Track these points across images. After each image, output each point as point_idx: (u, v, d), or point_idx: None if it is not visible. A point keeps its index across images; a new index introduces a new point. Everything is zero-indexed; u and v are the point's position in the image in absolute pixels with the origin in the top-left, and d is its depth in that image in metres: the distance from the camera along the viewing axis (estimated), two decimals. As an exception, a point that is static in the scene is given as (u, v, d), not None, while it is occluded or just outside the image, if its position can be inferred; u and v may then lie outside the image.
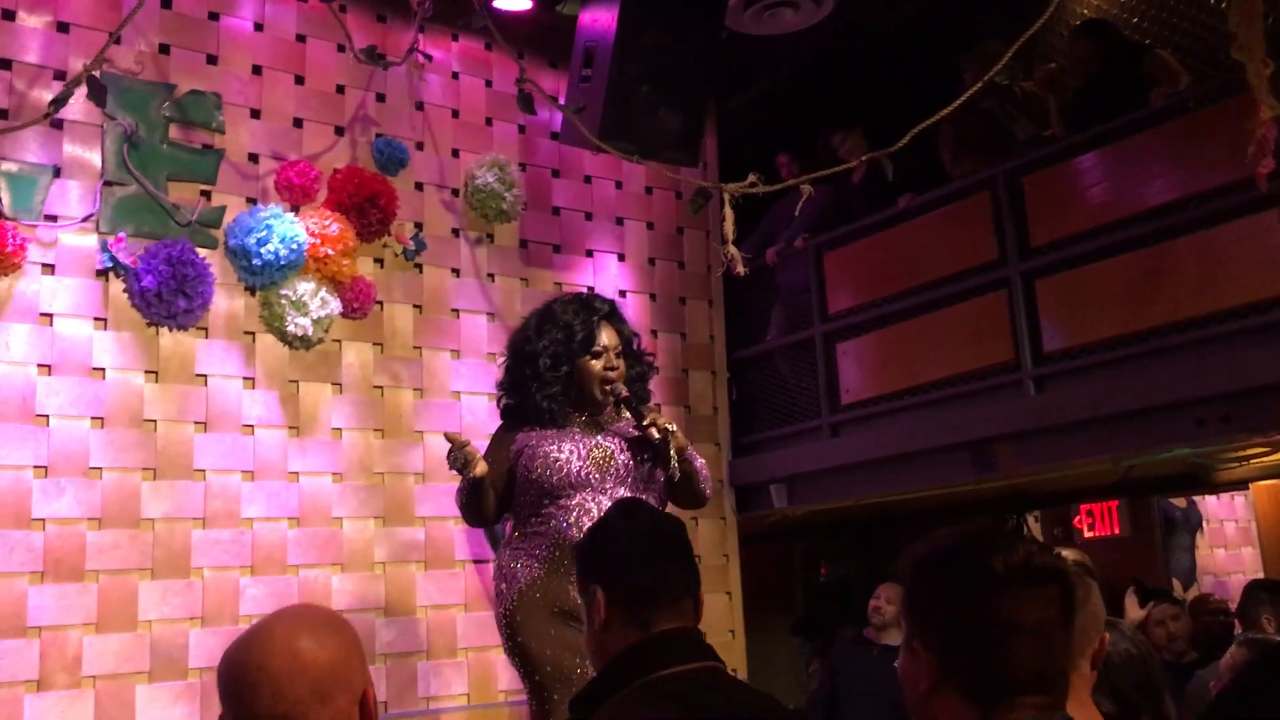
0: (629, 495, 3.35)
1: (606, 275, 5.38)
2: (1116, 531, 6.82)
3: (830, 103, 6.33)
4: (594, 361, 3.44)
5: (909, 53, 6.04)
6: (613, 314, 3.58)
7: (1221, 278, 4.08)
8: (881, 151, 4.09)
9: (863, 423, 5.36)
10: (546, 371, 3.42)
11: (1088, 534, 6.90)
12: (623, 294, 5.40)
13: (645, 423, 3.35)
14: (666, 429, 3.34)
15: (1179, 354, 4.20)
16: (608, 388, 3.45)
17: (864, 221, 5.51)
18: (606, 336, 3.48)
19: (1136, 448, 4.55)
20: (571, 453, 3.37)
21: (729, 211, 4.22)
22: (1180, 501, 7.07)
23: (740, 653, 5.33)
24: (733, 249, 4.29)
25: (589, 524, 3.24)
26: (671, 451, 3.33)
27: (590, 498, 3.32)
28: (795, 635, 7.27)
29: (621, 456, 3.40)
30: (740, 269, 4.32)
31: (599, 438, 3.43)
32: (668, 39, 4.71)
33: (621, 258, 5.49)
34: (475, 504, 3.45)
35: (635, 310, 5.42)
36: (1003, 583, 1.37)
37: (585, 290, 4.91)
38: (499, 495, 3.48)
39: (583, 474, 3.34)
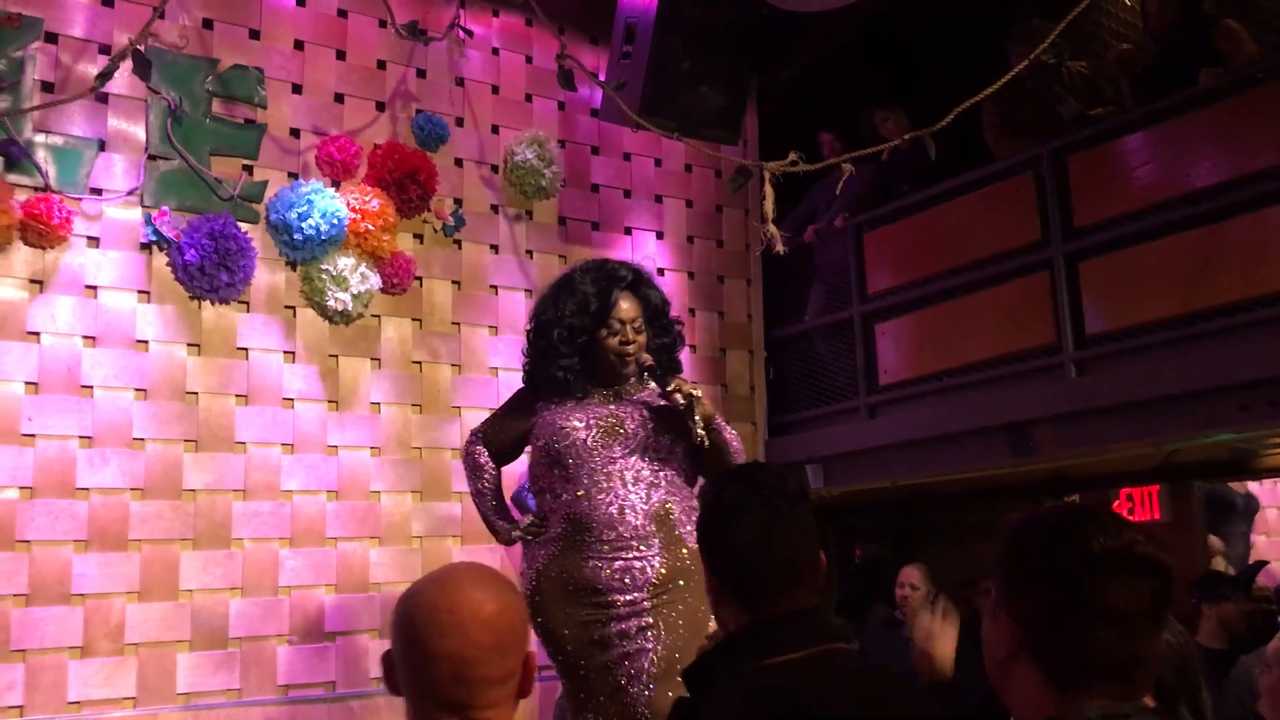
0: (642, 465, 3.20)
1: (644, 253, 5.37)
2: (1157, 516, 6.75)
3: (873, 80, 6.26)
4: (610, 337, 3.29)
5: (953, 29, 5.96)
6: (637, 281, 3.39)
7: (1270, 260, 4.00)
8: (924, 130, 4.05)
9: (901, 404, 5.32)
10: (561, 344, 3.30)
11: (1127, 519, 6.82)
12: (661, 272, 5.39)
13: (669, 388, 3.18)
14: (691, 395, 3.15)
15: (1225, 338, 4.13)
16: (627, 359, 3.29)
17: (905, 201, 5.46)
18: (626, 307, 3.31)
19: (1179, 432, 4.48)
20: (580, 422, 3.24)
21: (769, 190, 4.19)
22: (1240, 486, 6.98)
23: (774, 632, 5.33)
24: (772, 228, 4.27)
25: (600, 496, 3.14)
26: (696, 418, 3.13)
27: (600, 467, 3.19)
28: (838, 615, 7.26)
29: (632, 424, 3.23)
30: (780, 248, 4.29)
31: (612, 406, 3.28)
32: (709, 16, 4.68)
33: (660, 235, 5.48)
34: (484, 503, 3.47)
35: (673, 288, 5.41)
36: (1098, 566, 1.33)
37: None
38: (506, 458, 3.47)
39: (589, 443, 3.21)
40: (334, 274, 4.38)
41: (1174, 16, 4.85)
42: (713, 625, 3.25)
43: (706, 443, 3.16)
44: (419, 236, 4.73)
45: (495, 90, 5.07)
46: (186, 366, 4.14)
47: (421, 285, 4.70)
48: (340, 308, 4.40)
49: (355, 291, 4.41)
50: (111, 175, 4.08)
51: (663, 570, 3.11)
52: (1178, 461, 6.04)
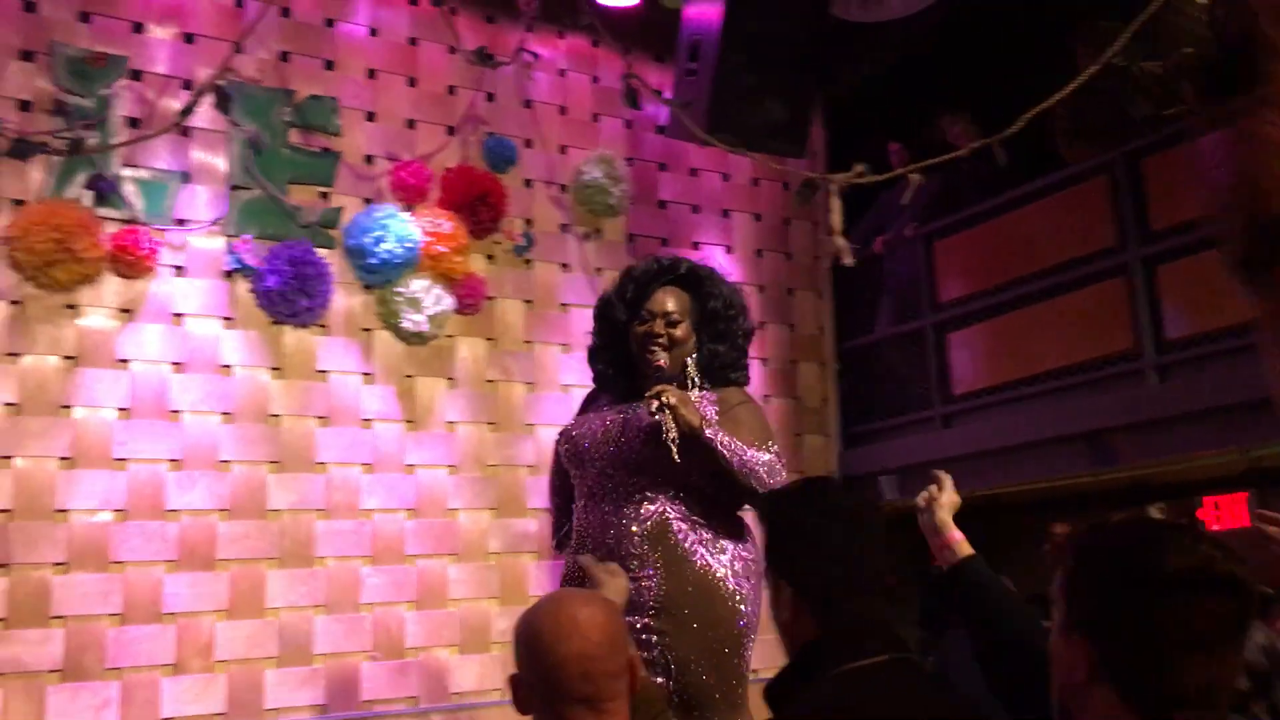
0: (639, 478, 2.94)
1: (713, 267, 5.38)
2: (1246, 524, 6.57)
3: (940, 87, 6.22)
4: (639, 327, 3.05)
5: (1020, 34, 5.90)
6: (695, 279, 3.14)
7: (1357, 260, 3.90)
8: (993, 137, 4.02)
9: (976, 413, 5.27)
10: (597, 335, 3.19)
11: (1214, 526, 6.67)
12: (730, 286, 5.40)
13: (648, 394, 2.84)
14: (665, 404, 2.79)
15: (1311, 340, 4.03)
16: (649, 353, 3.02)
17: (976, 209, 5.41)
18: (669, 301, 3.06)
19: (1265, 437, 4.38)
20: (588, 428, 3.05)
21: (837, 203, 4.18)
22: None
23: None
24: (840, 240, 4.26)
25: (595, 509, 2.97)
26: (667, 428, 2.78)
27: (596, 478, 2.99)
28: (920, 629, 7.17)
29: (632, 432, 2.94)
30: (848, 260, 4.28)
31: (625, 414, 2.99)
32: (773, 30, 4.69)
33: (729, 250, 5.49)
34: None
35: (743, 302, 5.42)
36: (1174, 587, 1.27)
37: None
38: None
39: (591, 451, 3.01)
40: (408, 296, 4.46)
41: (1244, 20, 4.76)
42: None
43: (677, 459, 2.80)
44: (490, 257, 4.80)
45: (563, 111, 5.14)
46: (269, 390, 4.24)
47: (494, 305, 4.77)
48: (415, 329, 4.48)
49: (429, 313, 4.49)
50: (195, 206, 4.21)
51: (662, 591, 2.84)
52: (1265, 467, 5.89)
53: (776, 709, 1.78)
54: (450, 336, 4.64)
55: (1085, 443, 4.76)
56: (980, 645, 2.09)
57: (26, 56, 3.98)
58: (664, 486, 2.94)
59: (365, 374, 4.45)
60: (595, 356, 3.21)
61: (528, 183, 4.97)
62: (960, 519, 2.37)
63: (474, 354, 4.69)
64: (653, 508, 2.92)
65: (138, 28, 4.21)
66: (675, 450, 2.79)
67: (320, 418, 4.32)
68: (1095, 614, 1.33)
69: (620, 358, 3.13)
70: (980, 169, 5.15)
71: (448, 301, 4.55)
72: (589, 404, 3.27)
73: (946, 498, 2.24)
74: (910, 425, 5.54)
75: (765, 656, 4.40)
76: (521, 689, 1.76)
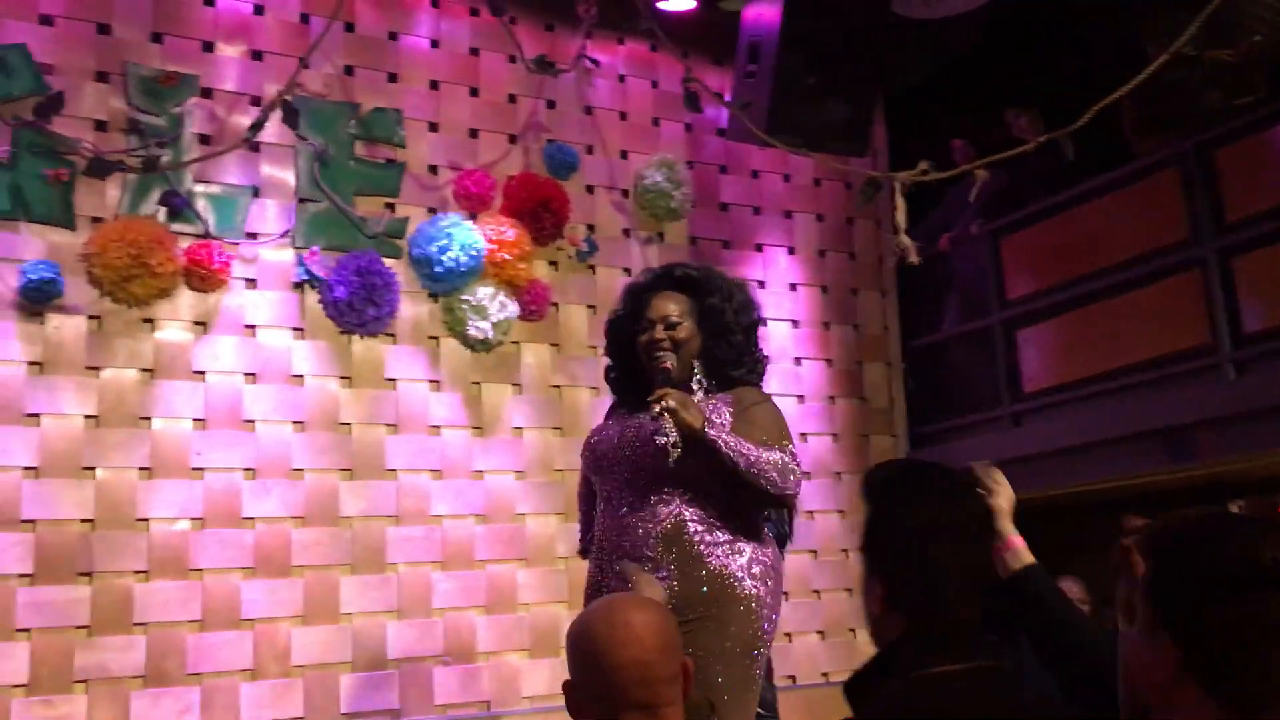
0: (654, 480, 2.88)
1: (776, 269, 5.37)
2: (1330, 521, 6.39)
3: (1005, 82, 6.14)
4: (642, 336, 3.02)
5: (1086, 25, 5.80)
6: (690, 283, 3.08)
7: None
8: (1061, 131, 3.96)
9: (1047, 411, 5.19)
10: (609, 355, 3.19)
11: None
12: (793, 287, 5.39)
13: (650, 398, 2.80)
14: (668, 407, 2.74)
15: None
16: (653, 358, 2.98)
17: (1044, 204, 5.33)
18: (667, 305, 3.02)
19: (1350, 432, 4.26)
20: (605, 435, 3.04)
21: (901, 201, 4.14)
22: None
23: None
24: (905, 239, 4.22)
25: (612, 514, 2.94)
26: (666, 430, 2.73)
27: (614, 483, 2.97)
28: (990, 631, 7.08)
29: (644, 435, 2.88)
30: (914, 258, 4.24)
31: (641, 417, 2.92)
32: (832, 29, 4.67)
33: (791, 251, 5.47)
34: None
35: (807, 303, 5.41)
36: (1259, 583, 1.26)
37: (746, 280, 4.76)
38: None
39: (609, 456, 2.99)
40: (474, 304, 4.50)
41: None
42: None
43: (671, 463, 2.76)
44: (554, 263, 4.84)
45: (623, 116, 5.15)
46: (339, 399, 4.31)
47: (558, 310, 4.80)
48: (481, 336, 4.52)
49: (495, 320, 4.53)
50: (265, 220, 4.29)
51: (676, 592, 2.77)
52: (1350, 462, 5.73)
53: (855, 706, 1.73)
54: (515, 343, 4.68)
55: (1161, 440, 4.66)
56: (1043, 652, 2.04)
57: (101, 78, 4.09)
58: (680, 490, 2.90)
59: (433, 381, 4.50)
60: (611, 374, 3.21)
61: (589, 188, 4.99)
62: (1032, 519, 2.31)
63: (539, 360, 4.73)
64: (668, 510, 2.88)
65: (207, 47, 4.31)
66: (670, 454, 2.75)
67: (389, 425, 4.38)
68: (1179, 613, 1.31)
69: (634, 371, 3.10)
70: (1048, 163, 5.07)
71: (513, 308, 4.59)
72: (611, 415, 3.26)
73: (1004, 493, 2.15)
74: (979, 424, 5.47)
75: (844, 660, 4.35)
76: (576, 695, 1.75)
